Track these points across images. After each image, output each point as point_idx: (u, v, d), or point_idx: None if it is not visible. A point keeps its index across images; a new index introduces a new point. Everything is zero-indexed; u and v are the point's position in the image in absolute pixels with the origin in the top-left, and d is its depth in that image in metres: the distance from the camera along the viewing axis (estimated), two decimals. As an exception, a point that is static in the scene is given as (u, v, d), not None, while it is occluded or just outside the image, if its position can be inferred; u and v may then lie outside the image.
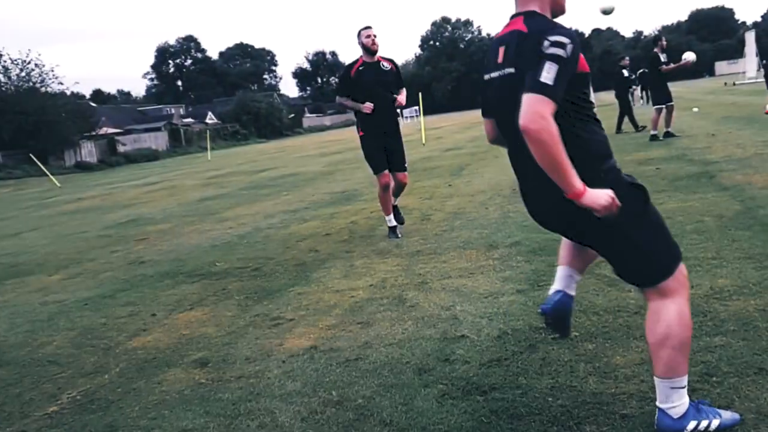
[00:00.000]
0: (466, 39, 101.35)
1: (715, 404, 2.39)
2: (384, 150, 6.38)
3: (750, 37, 40.69)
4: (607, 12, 6.18)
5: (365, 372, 3.26)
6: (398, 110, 6.52)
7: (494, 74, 2.20)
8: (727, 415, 2.24)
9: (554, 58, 1.93)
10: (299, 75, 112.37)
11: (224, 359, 3.71)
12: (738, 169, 7.67)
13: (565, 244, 2.60)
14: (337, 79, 6.50)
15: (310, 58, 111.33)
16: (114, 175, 29.47)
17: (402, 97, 6.32)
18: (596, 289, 3.94)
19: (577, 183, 1.95)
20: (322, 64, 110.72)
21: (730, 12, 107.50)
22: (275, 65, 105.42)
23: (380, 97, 6.24)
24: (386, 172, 6.40)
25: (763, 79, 28.96)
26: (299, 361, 3.54)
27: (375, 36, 6.24)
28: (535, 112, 1.91)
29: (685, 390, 2.19)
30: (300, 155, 26.19)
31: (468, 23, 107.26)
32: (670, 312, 2.15)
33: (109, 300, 5.41)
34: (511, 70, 2.08)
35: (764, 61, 27.81)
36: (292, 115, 70.91)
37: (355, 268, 5.43)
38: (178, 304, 5.00)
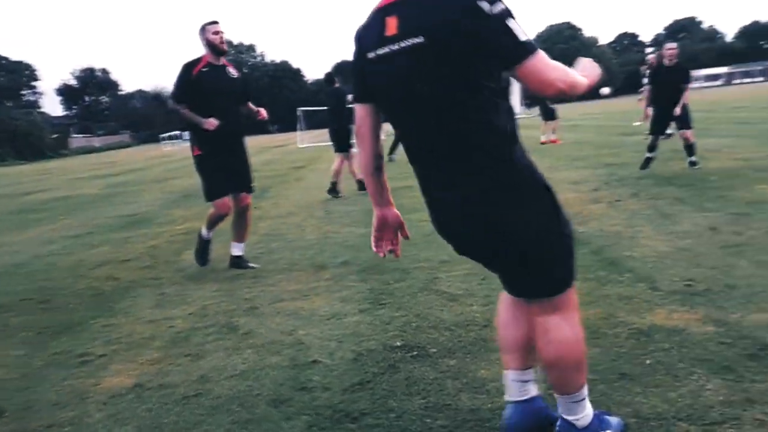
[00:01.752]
0: (249, 63, 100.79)
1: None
2: (226, 172, 5.31)
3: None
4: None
5: (211, 409, 2.85)
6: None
7: (385, 49, 1.85)
8: (615, 421, 2.26)
9: (507, 13, 1.70)
10: (65, 92, 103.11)
11: (25, 407, 3.05)
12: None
13: (502, 344, 2.33)
14: (176, 81, 5.19)
15: (77, 74, 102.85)
16: None
17: (263, 110, 5.50)
18: (440, 305, 3.92)
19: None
20: (90, 81, 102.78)
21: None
22: (36, 80, 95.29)
23: (225, 110, 5.19)
24: (226, 199, 5.34)
25: (526, 115, 32.37)
26: (125, 401, 3.02)
27: (223, 33, 5.24)
28: (549, 74, 1.72)
29: (587, 400, 2.15)
30: (71, 177, 23.81)
31: (251, 48, 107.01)
32: (562, 332, 2.01)
33: None
34: (418, 39, 1.75)
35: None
36: (56, 135, 64.74)
37: (167, 296, 4.89)
38: (-54, 346, 4.08)
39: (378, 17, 1.88)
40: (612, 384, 2.68)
